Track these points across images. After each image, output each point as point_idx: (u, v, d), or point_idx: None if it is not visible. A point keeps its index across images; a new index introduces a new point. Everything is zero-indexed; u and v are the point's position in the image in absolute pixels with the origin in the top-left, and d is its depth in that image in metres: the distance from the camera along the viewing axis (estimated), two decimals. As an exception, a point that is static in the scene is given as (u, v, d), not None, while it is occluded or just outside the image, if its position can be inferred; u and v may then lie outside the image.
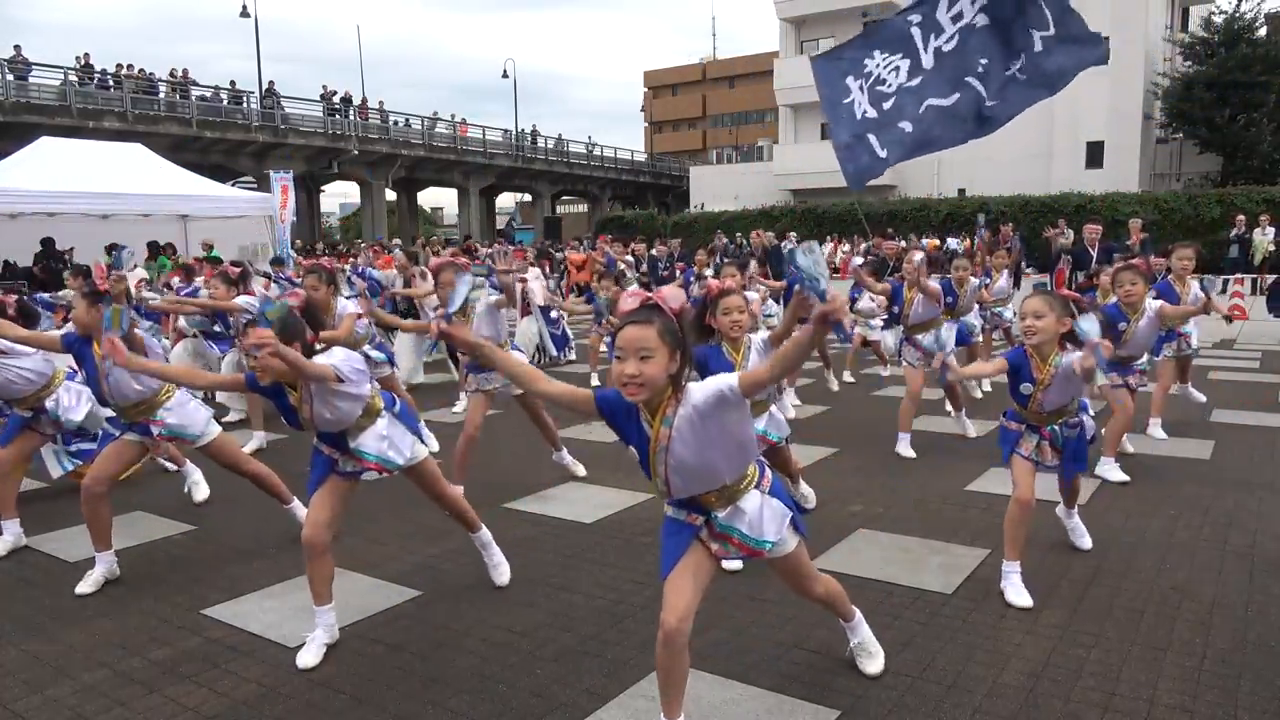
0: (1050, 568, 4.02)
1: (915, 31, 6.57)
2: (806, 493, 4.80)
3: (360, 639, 3.43)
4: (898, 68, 6.60)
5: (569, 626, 3.50)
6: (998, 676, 3.04)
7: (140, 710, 2.93)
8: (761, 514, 2.57)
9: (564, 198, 51.57)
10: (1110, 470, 5.45)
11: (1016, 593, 3.63)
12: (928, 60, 6.53)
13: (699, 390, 2.42)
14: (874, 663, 3.06)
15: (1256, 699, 2.86)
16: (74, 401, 4.83)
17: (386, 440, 3.47)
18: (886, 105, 6.61)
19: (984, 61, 6.32)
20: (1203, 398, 7.28)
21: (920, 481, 5.50)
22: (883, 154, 6.53)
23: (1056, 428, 3.83)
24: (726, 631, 3.42)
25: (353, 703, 2.96)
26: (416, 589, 3.90)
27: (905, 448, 6.23)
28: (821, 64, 6.86)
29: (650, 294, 2.42)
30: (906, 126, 6.52)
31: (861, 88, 6.65)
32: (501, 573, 3.95)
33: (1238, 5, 29.27)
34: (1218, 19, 29.77)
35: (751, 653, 3.24)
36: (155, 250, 14.37)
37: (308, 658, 3.23)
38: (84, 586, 3.98)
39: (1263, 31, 29.30)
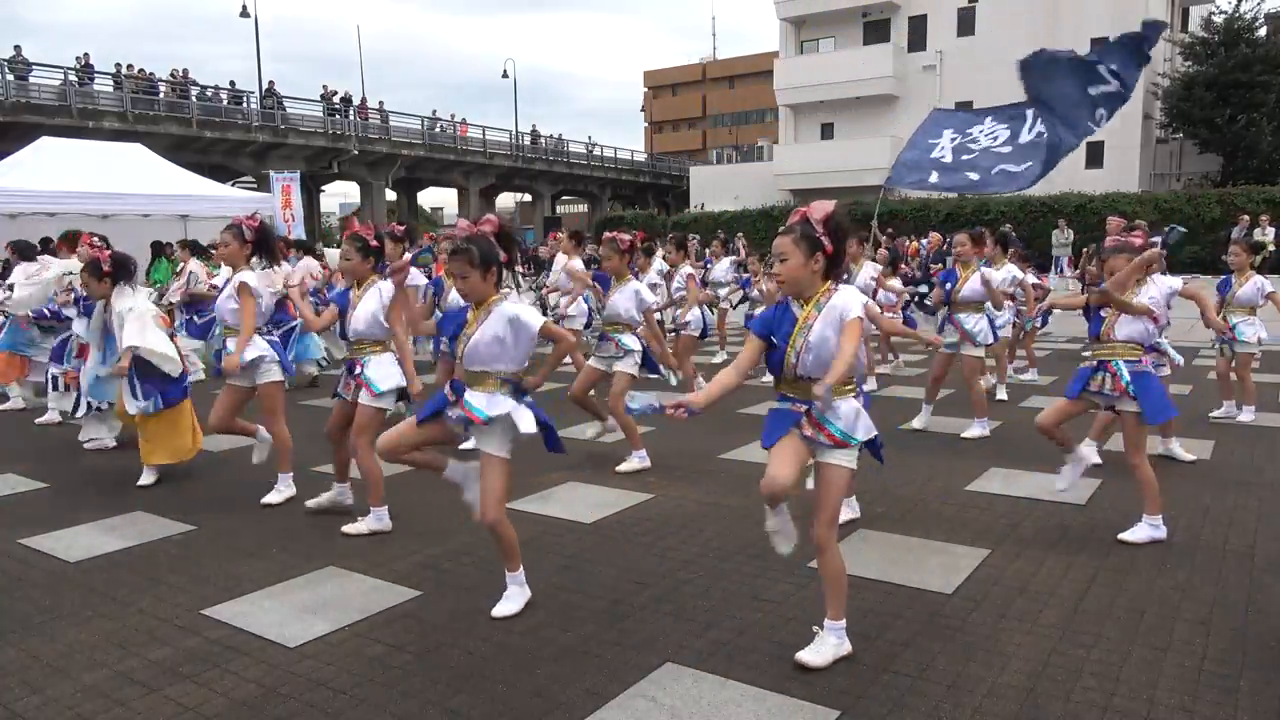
0: (1050, 568, 4.02)
1: (1029, 112, 7.80)
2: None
3: (360, 639, 3.42)
4: (996, 135, 7.86)
5: (569, 626, 3.50)
6: (998, 676, 3.04)
7: (140, 710, 2.93)
8: (856, 419, 3.11)
9: (564, 198, 51.59)
10: (1172, 449, 5.87)
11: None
12: (1025, 137, 7.73)
13: (846, 291, 3.05)
14: (816, 656, 3.09)
15: (1256, 699, 2.86)
16: None
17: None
18: (964, 157, 7.87)
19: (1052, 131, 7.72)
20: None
21: (920, 481, 5.50)
22: (932, 180, 7.80)
23: (1122, 364, 4.34)
24: (727, 631, 3.42)
25: (353, 702, 2.95)
26: (416, 589, 3.90)
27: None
28: (938, 114, 8.43)
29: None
30: (972, 175, 7.69)
31: (952, 140, 7.91)
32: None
33: (1238, 5, 29.31)
34: (1218, 19, 29.79)
35: (752, 653, 3.24)
36: (158, 250, 14.36)
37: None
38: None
39: (1263, 31, 29.34)
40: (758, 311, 9.18)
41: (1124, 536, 4.32)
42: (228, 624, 3.57)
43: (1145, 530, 4.34)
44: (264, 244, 5.27)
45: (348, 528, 4.55)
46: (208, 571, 4.17)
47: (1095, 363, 4.47)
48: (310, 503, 5.01)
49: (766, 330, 3.14)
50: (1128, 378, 4.33)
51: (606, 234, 6.24)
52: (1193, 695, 2.89)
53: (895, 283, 8.95)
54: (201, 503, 5.31)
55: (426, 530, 4.66)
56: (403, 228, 7.30)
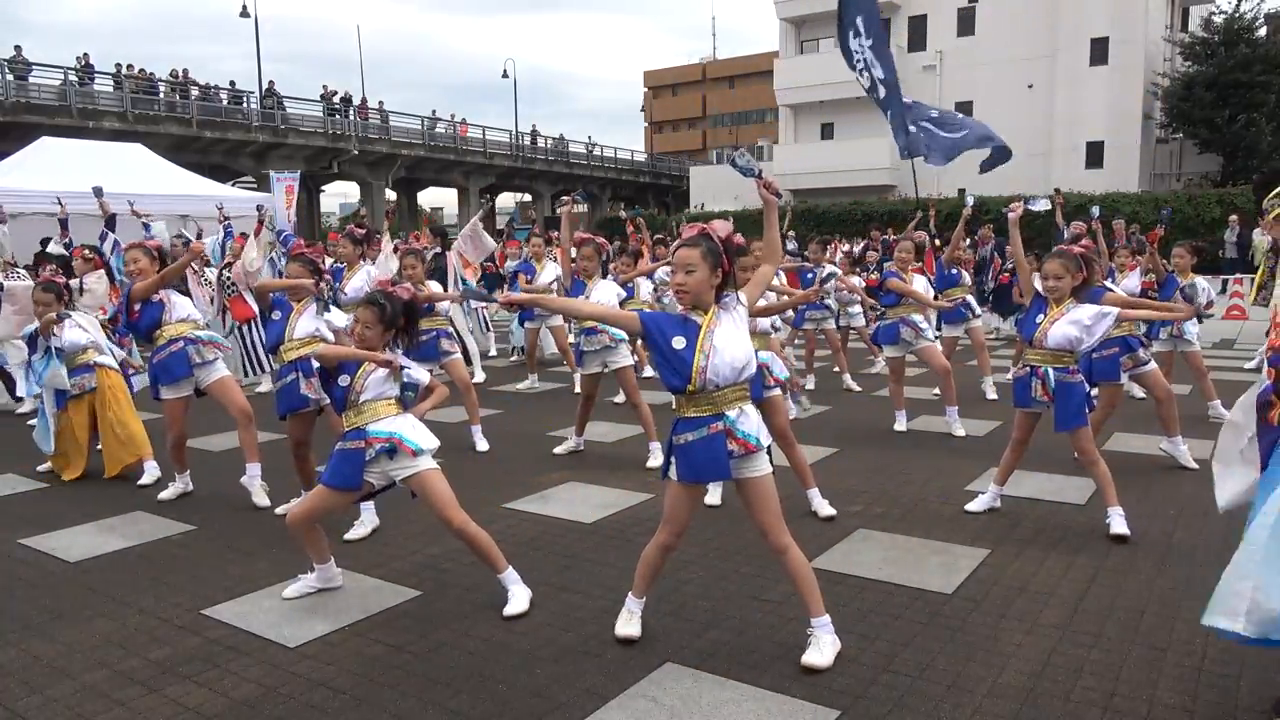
0: (1050, 568, 4.02)
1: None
2: (819, 505, 4.83)
3: (360, 639, 3.43)
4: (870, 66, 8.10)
5: (569, 626, 3.50)
6: (998, 676, 3.04)
7: (140, 710, 2.93)
8: (759, 422, 3.15)
9: (564, 198, 51.58)
10: (1178, 451, 5.83)
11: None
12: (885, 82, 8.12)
13: (738, 299, 3.14)
14: (820, 657, 3.08)
15: (1256, 699, 2.86)
16: None
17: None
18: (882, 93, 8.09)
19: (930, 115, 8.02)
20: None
21: (920, 481, 5.50)
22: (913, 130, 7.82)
23: (1050, 370, 4.40)
24: (727, 631, 3.42)
25: (353, 702, 2.96)
26: (416, 589, 3.90)
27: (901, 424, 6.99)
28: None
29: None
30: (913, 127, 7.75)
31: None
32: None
33: (1238, 5, 29.30)
34: (1218, 19, 29.80)
35: (752, 653, 3.24)
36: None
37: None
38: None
39: (1263, 31, 29.33)
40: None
41: (1115, 531, 4.34)
42: (228, 624, 3.57)
43: (1119, 518, 4.39)
44: (165, 262, 5.47)
45: (349, 534, 4.56)
46: (208, 571, 4.17)
47: (1028, 369, 4.51)
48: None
49: (656, 324, 3.09)
50: (1054, 384, 4.39)
51: (581, 235, 6.38)
52: (1193, 695, 2.89)
53: (854, 280, 9.00)
54: (201, 503, 5.31)
55: (426, 530, 4.66)
56: (363, 230, 7.31)
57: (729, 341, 3.04)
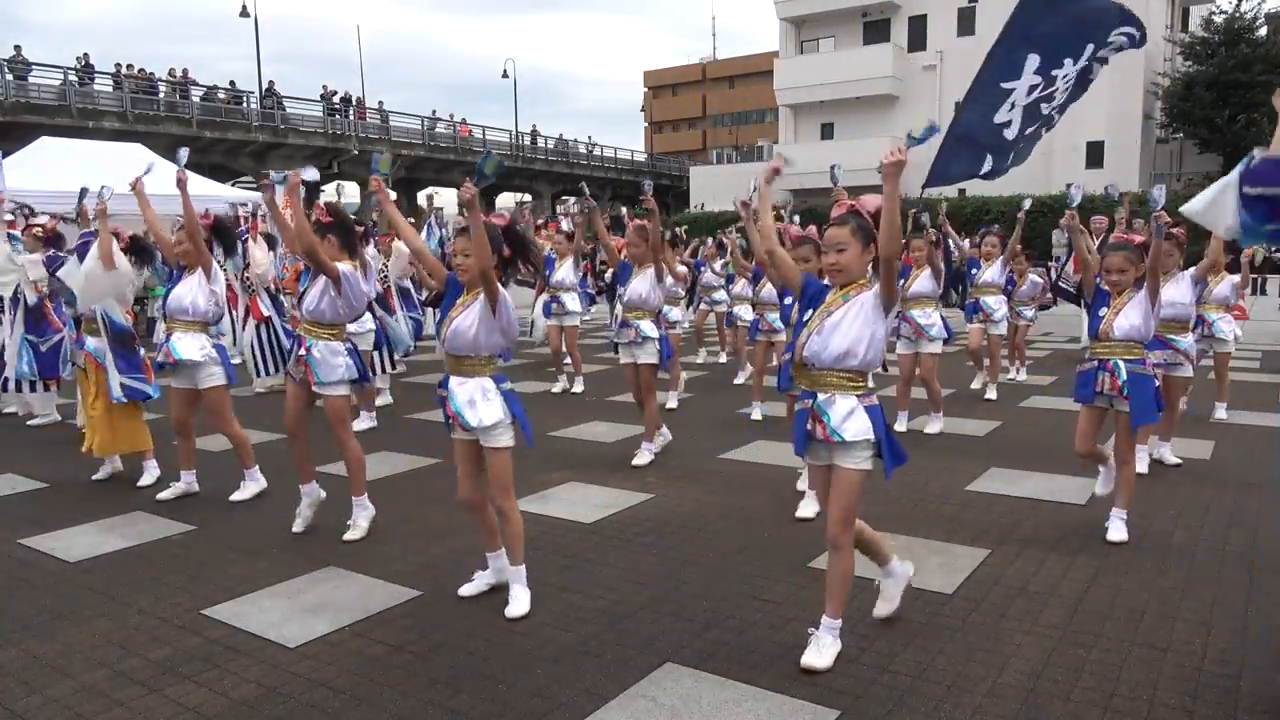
0: (1050, 568, 4.02)
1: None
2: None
3: (360, 639, 3.42)
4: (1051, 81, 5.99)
5: (569, 626, 3.50)
6: (998, 676, 3.04)
7: (140, 710, 2.93)
8: (849, 416, 3.06)
9: (564, 198, 51.62)
10: (1165, 452, 5.86)
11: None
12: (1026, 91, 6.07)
13: (873, 291, 3.05)
14: (819, 658, 3.09)
15: (1256, 699, 2.86)
16: None
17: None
18: (1028, 129, 6.09)
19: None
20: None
21: (920, 481, 5.50)
22: (985, 169, 6.10)
23: (1120, 362, 4.32)
24: (728, 631, 3.42)
25: (353, 702, 2.95)
26: (416, 589, 3.90)
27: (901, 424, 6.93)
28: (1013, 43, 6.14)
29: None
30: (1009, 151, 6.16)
31: (1030, 92, 5.99)
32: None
33: (1238, 5, 29.33)
34: (1218, 19, 29.83)
35: (752, 653, 3.24)
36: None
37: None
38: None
39: (1263, 31, 29.37)
40: (737, 310, 9.16)
41: (1112, 537, 4.32)
42: (228, 624, 3.57)
43: (1121, 524, 4.37)
44: (222, 235, 5.54)
45: (349, 535, 4.55)
46: (208, 571, 4.17)
47: (1095, 363, 4.46)
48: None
49: (806, 291, 3.17)
50: (1125, 377, 4.31)
51: (635, 222, 6.30)
52: (1193, 695, 2.89)
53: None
54: (201, 503, 5.31)
55: (426, 530, 4.66)
56: (361, 227, 7.31)
57: (838, 329, 3.04)
